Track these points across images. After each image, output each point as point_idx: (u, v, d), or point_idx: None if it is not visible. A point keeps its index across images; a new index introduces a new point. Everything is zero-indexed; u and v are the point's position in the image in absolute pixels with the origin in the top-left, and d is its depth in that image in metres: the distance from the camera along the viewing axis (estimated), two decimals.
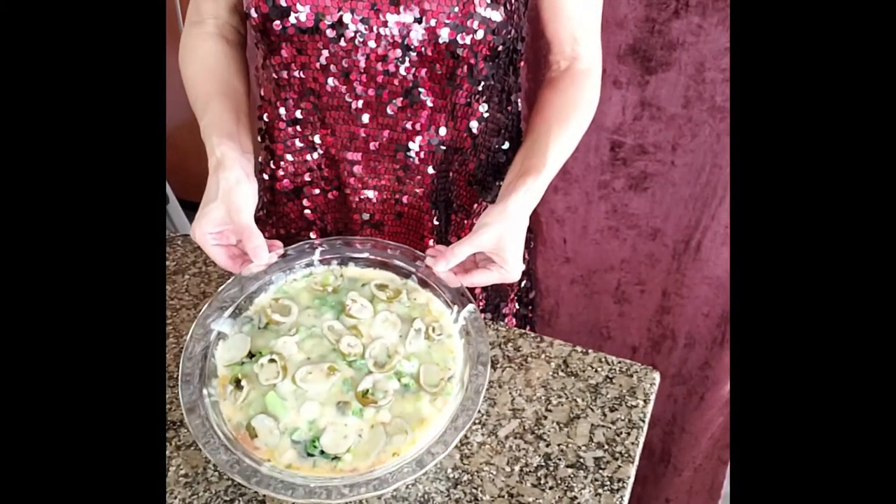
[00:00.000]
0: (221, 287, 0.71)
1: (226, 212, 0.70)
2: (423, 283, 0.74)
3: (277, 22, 0.69)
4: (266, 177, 0.86)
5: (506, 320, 0.97)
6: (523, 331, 0.81)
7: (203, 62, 0.80)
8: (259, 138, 0.86)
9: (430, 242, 0.85)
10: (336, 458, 0.60)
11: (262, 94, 0.83)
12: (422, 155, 0.79)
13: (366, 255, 0.76)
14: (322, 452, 0.61)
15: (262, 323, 0.70)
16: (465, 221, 0.88)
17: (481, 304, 0.93)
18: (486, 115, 0.80)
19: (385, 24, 0.69)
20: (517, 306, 0.99)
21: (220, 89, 0.78)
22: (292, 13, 0.69)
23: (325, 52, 0.72)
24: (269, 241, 0.72)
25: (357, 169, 0.81)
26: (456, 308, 0.71)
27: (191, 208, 2.20)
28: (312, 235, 0.89)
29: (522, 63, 0.85)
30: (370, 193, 0.82)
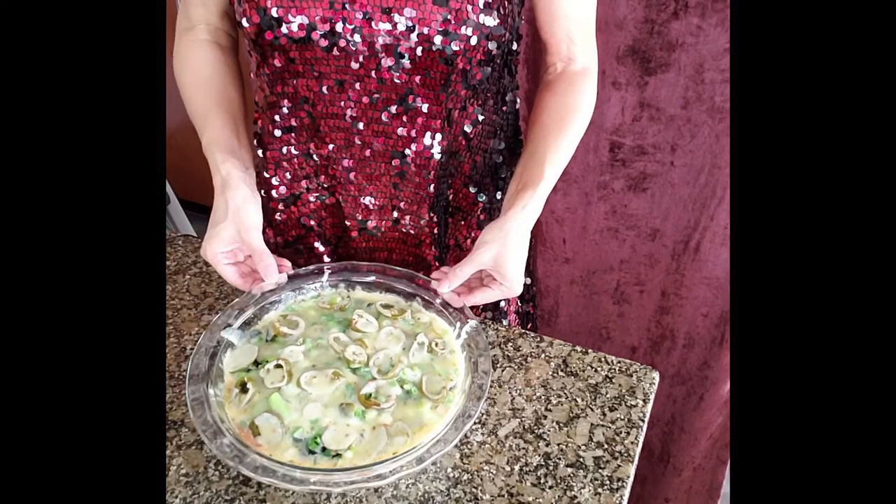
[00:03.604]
0: (233, 302, 0.74)
1: (235, 231, 0.72)
2: (427, 306, 0.76)
3: (269, 32, 0.69)
4: (262, 184, 0.87)
5: (508, 318, 0.97)
6: (523, 330, 0.81)
7: (198, 72, 0.80)
8: (255, 144, 0.86)
9: (431, 249, 0.86)
10: (337, 455, 0.61)
11: (257, 100, 0.83)
12: (418, 161, 0.79)
13: (372, 278, 0.79)
14: (324, 450, 0.61)
15: (270, 336, 0.72)
16: (462, 223, 0.88)
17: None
18: (480, 118, 0.80)
19: (377, 32, 0.69)
20: (519, 303, 1.00)
21: (217, 101, 0.78)
22: (284, 24, 0.68)
23: (319, 62, 0.72)
24: (277, 260, 0.75)
25: (353, 176, 0.81)
26: (458, 324, 0.73)
27: (191, 208, 2.21)
28: (312, 243, 0.90)
29: (519, 62, 0.85)
30: (367, 200, 0.83)
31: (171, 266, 0.91)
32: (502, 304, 0.96)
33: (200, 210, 2.31)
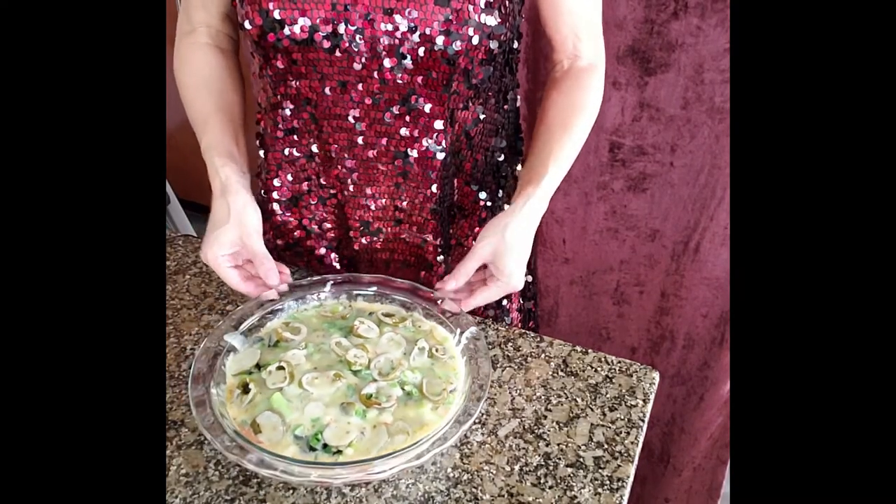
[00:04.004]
0: (235, 310, 0.75)
1: (238, 234, 0.72)
2: (428, 316, 0.77)
3: (272, 34, 0.69)
4: (264, 186, 0.87)
5: (510, 315, 0.98)
6: (523, 330, 0.82)
7: (198, 75, 0.80)
8: (257, 145, 0.86)
9: (433, 249, 0.86)
10: (338, 451, 0.61)
11: (259, 101, 0.83)
12: (420, 161, 0.79)
13: (373, 289, 0.80)
14: (325, 447, 0.62)
15: (273, 341, 0.73)
16: (464, 222, 0.88)
17: None
18: (482, 116, 0.81)
19: (379, 33, 0.69)
20: (521, 300, 1.00)
21: (217, 105, 0.79)
22: (287, 26, 0.68)
23: (321, 63, 0.72)
24: (277, 266, 0.75)
25: (355, 177, 0.81)
26: (458, 331, 0.74)
27: (191, 208, 2.21)
28: (314, 245, 0.90)
29: (520, 61, 0.85)
30: (369, 201, 0.83)
31: (171, 266, 0.91)
32: (504, 302, 0.96)
33: (200, 210, 2.31)
